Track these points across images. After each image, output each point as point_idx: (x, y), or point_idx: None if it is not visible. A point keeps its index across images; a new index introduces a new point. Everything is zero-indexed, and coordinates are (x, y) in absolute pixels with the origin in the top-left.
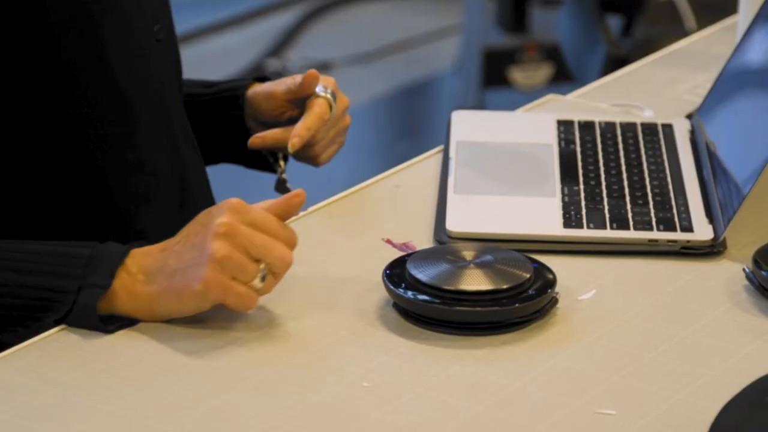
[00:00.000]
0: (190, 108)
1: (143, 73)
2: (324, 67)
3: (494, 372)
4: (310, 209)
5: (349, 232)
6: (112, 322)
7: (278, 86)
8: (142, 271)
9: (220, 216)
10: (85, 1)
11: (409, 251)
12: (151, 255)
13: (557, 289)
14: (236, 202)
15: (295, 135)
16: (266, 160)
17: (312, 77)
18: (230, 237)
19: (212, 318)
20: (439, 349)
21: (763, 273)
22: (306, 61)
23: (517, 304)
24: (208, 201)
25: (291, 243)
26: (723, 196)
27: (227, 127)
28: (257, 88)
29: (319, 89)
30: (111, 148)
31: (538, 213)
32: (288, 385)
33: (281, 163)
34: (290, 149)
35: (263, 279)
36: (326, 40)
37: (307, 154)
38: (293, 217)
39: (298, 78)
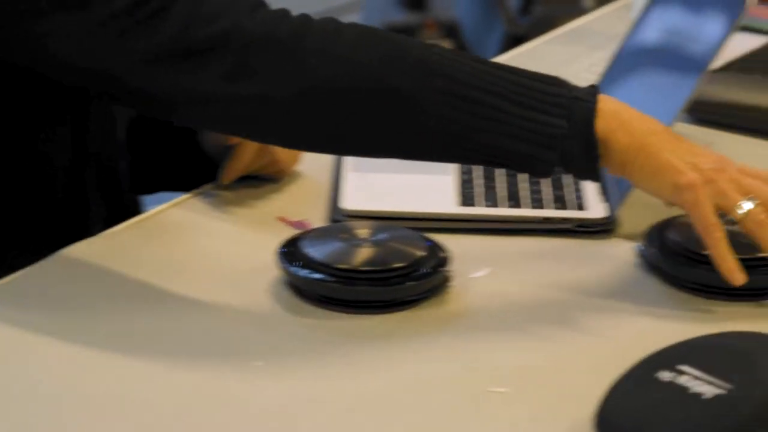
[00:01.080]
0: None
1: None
2: None
3: (388, 350)
4: (205, 187)
5: (243, 211)
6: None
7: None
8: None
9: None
10: None
11: (305, 230)
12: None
13: (451, 267)
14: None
15: (228, 175)
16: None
17: None
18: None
19: (112, 300)
20: (332, 328)
21: (654, 251)
22: None
23: (410, 283)
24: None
25: None
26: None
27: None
28: None
29: None
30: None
31: (434, 191)
32: (181, 365)
33: None
34: (223, 182)
35: (752, 206)
36: None
37: (272, 172)
38: (183, 196)
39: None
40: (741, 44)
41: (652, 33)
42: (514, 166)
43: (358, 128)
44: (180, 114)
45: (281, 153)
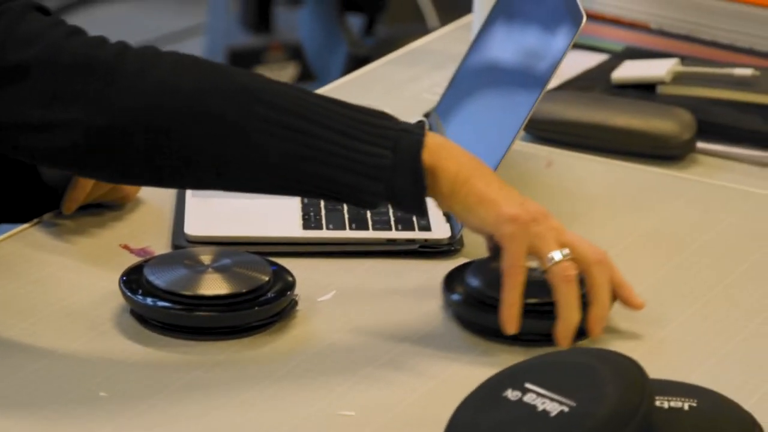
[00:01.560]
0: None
1: None
2: None
3: (234, 377)
4: (45, 216)
5: (85, 240)
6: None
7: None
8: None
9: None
10: None
11: (148, 257)
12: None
13: (297, 291)
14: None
15: (69, 204)
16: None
17: None
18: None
19: None
20: (178, 355)
21: (452, 296)
22: None
23: (256, 308)
24: None
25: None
26: None
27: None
28: None
29: None
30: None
31: (278, 215)
32: (21, 396)
33: None
34: (65, 211)
35: (562, 258)
36: None
37: (114, 198)
38: (20, 227)
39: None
40: (579, 62)
41: (492, 51)
42: (342, 197)
43: (183, 155)
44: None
45: None
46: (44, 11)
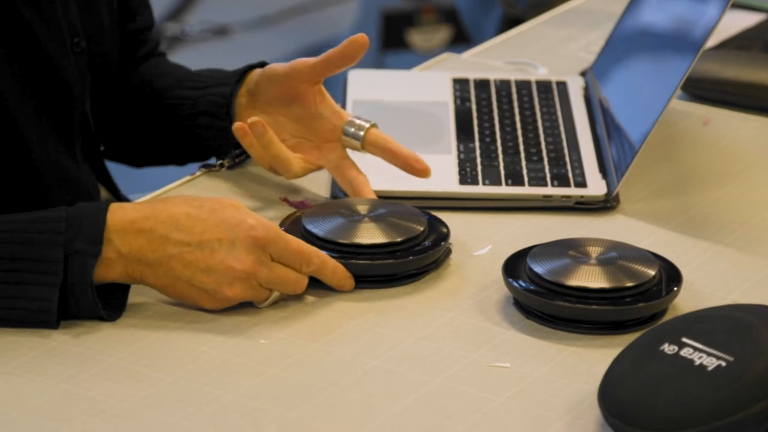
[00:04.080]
0: (169, 118)
1: (47, 82)
2: (223, 32)
3: (389, 326)
4: (198, 173)
5: (247, 191)
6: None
7: (296, 65)
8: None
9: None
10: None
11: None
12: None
13: (451, 241)
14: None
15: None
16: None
17: (361, 44)
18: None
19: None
20: (336, 303)
21: (512, 282)
22: (205, 25)
23: (411, 257)
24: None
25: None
26: (616, 152)
27: (193, 135)
28: (262, 75)
29: (351, 128)
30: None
31: (435, 170)
32: (182, 344)
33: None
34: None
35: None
36: (225, 4)
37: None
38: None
39: (310, 60)
40: (736, 22)
41: (647, 12)
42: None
43: None
44: None
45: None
46: None
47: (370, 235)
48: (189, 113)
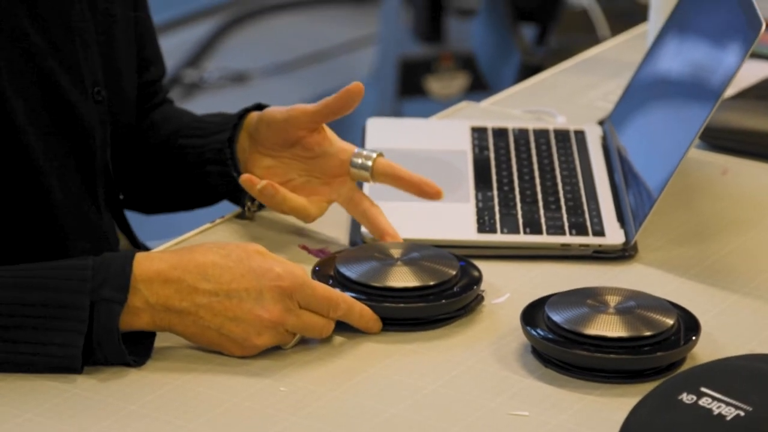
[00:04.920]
0: (178, 167)
1: (69, 131)
2: (241, 78)
3: (410, 373)
4: (218, 221)
5: (264, 241)
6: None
7: (294, 112)
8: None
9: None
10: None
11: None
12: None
13: (483, 288)
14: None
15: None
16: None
17: (357, 93)
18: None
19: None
20: (363, 345)
21: (530, 330)
22: (223, 72)
23: (443, 300)
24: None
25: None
26: (634, 201)
27: (202, 180)
28: (261, 120)
29: (359, 160)
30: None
31: (453, 218)
32: (203, 390)
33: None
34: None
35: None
36: (243, 51)
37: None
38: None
39: (309, 107)
40: (755, 72)
41: (666, 61)
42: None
43: None
44: None
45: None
46: None
47: (402, 278)
48: (196, 161)
